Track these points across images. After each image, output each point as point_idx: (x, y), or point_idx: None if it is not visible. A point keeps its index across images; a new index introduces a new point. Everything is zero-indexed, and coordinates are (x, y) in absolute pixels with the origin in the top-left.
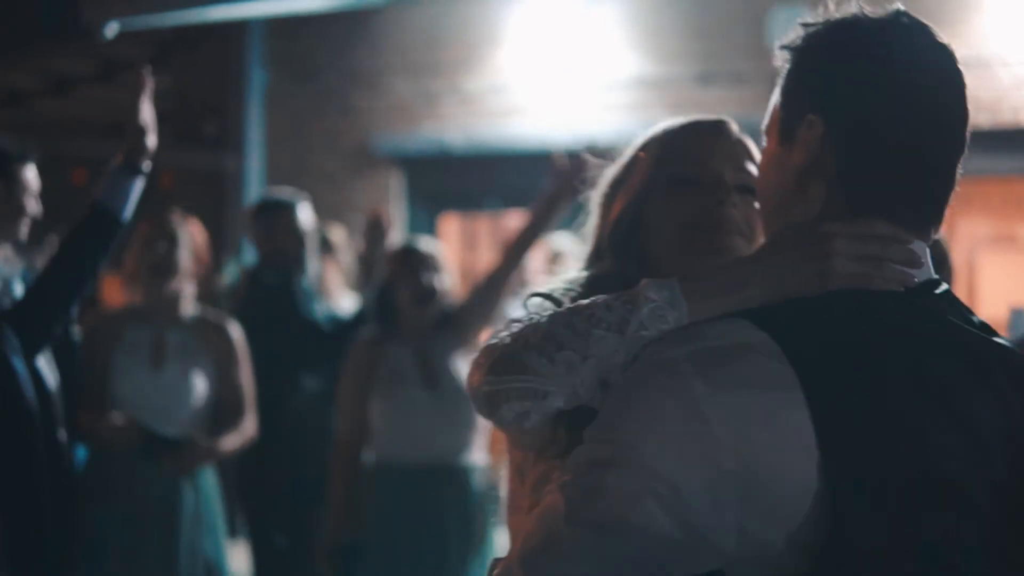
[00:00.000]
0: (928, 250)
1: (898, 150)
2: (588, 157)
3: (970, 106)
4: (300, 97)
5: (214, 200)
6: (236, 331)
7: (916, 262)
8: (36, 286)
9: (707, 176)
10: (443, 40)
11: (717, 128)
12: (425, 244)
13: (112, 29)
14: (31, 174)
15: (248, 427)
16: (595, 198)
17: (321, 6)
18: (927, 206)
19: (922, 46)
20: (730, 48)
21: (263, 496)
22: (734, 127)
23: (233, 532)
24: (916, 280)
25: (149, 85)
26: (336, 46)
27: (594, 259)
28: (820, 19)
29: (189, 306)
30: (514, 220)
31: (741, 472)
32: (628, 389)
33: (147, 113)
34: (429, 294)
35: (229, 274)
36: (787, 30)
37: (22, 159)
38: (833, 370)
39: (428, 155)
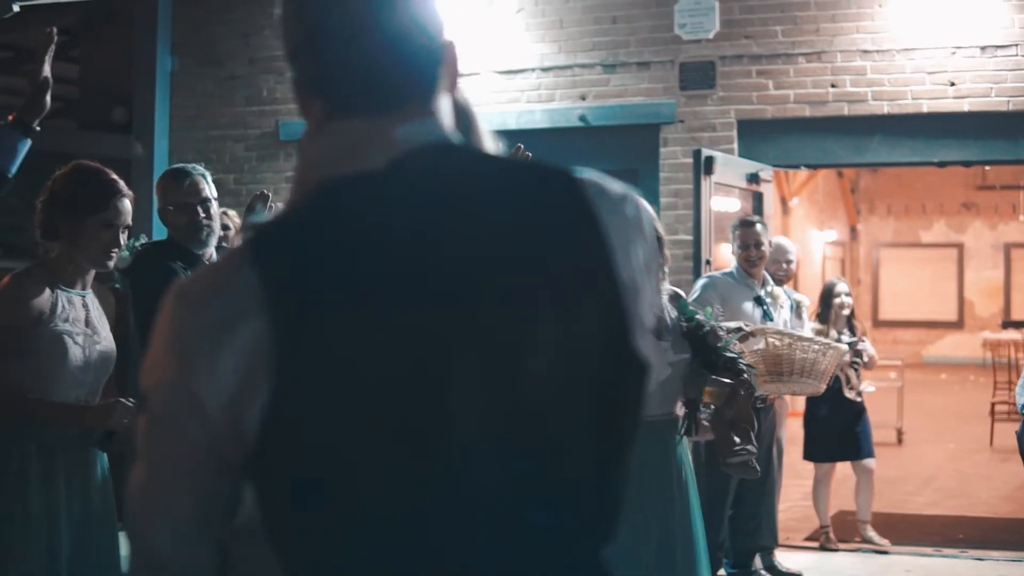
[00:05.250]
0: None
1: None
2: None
3: (873, 95)
4: (207, 83)
5: None
6: None
7: None
8: None
9: None
10: None
11: None
12: None
13: (14, 7)
14: None
15: None
16: None
17: None
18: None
19: None
20: (636, 36)
21: None
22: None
23: None
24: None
25: (53, 44)
26: (243, 32)
27: None
28: None
29: None
30: None
31: None
32: None
33: (48, 71)
34: None
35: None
36: (694, 18)
37: None
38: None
39: None
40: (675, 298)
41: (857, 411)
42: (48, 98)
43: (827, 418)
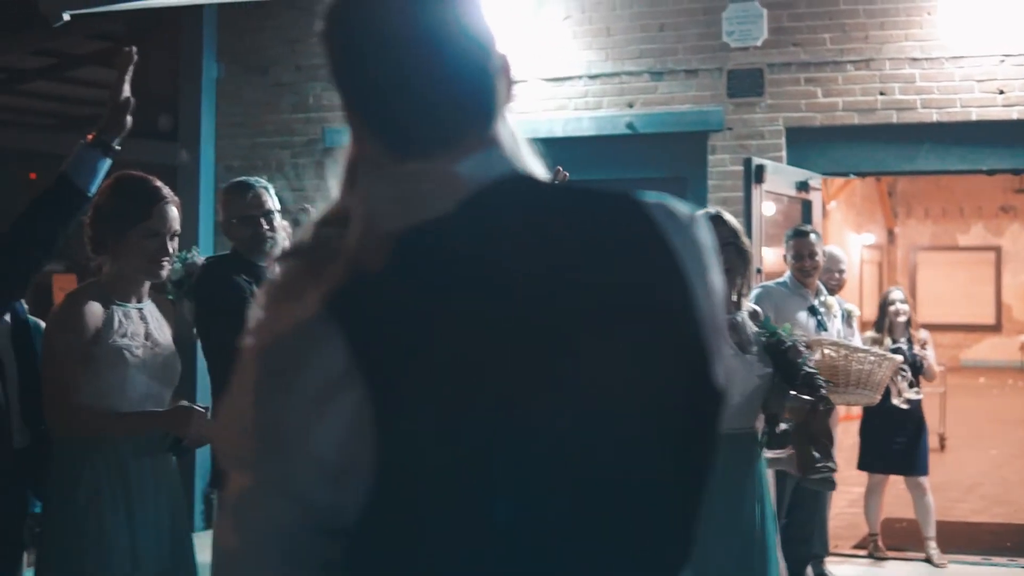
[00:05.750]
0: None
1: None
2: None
3: (922, 102)
4: (253, 90)
5: None
6: None
7: None
8: None
9: None
10: None
11: None
12: None
13: (64, 16)
14: None
15: None
16: None
17: None
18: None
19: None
20: (683, 44)
21: None
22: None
23: None
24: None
25: (133, 64)
26: (289, 39)
27: None
28: None
29: None
30: None
31: None
32: None
33: (128, 91)
34: None
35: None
36: (742, 25)
37: None
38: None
39: None
40: (755, 316)
41: (916, 425)
42: (129, 118)
43: (884, 428)
